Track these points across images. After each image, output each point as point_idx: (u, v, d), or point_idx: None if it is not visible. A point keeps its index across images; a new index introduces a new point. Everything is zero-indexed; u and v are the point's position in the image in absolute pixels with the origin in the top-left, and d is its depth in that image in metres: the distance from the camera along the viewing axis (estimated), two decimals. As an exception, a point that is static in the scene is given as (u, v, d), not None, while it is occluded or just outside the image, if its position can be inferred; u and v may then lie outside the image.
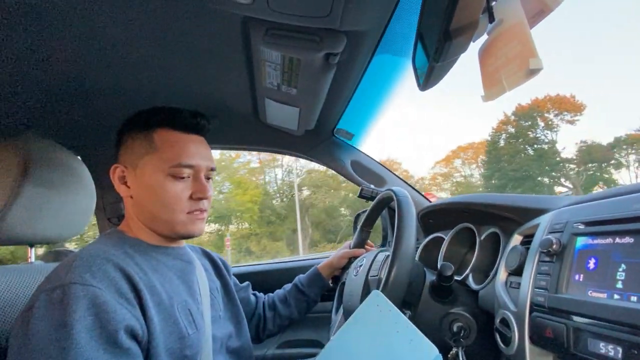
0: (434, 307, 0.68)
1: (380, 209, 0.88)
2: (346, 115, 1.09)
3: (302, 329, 1.26)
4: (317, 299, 0.93)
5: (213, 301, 0.67)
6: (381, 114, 1.09)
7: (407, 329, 0.47)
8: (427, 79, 0.58)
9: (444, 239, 0.94)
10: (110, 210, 1.28)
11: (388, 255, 0.74)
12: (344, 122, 1.14)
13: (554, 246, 0.48)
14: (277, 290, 0.94)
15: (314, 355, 1.03)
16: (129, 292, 0.49)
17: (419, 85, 0.62)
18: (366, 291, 0.72)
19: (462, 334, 0.64)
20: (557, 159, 17.43)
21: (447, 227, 0.95)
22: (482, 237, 0.78)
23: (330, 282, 0.96)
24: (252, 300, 0.88)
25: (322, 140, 1.20)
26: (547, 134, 18.02)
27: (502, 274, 0.63)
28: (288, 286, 0.94)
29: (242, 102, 0.98)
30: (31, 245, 0.75)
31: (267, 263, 1.46)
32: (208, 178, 0.65)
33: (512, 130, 18.63)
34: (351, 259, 0.94)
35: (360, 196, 1.12)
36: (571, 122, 18.05)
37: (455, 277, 0.76)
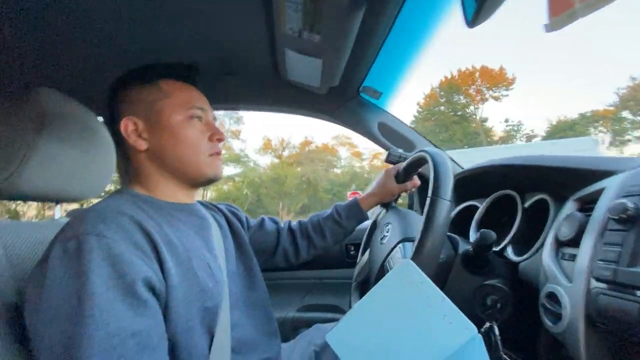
0: (466, 278, 0.62)
1: (412, 172, 0.81)
2: (374, 70, 0.99)
3: (323, 294, 1.26)
4: (353, 231, 0.88)
5: (227, 256, 0.65)
6: (414, 67, 0.98)
7: (441, 303, 0.41)
8: (478, 10, 0.48)
9: (476, 208, 0.86)
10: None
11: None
12: (372, 79, 1.03)
13: (630, 212, 0.39)
14: (311, 216, 0.89)
15: (333, 320, 1.02)
16: (145, 244, 0.47)
17: (466, 20, 0.52)
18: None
19: (497, 308, 0.58)
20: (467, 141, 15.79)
21: (482, 195, 0.87)
22: (526, 205, 0.69)
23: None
24: (271, 232, 0.84)
25: (347, 99, 1.11)
26: (470, 110, 16.27)
27: (551, 245, 0.55)
28: (323, 214, 0.88)
29: (260, 54, 0.90)
30: (57, 202, 0.75)
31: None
32: None
33: (438, 108, 16.88)
34: (399, 196, 0.89)
35: (387, 161, 1.04)
36: (496, 98, 16.10)
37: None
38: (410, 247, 0.67)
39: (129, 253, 0.44)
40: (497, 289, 0.59)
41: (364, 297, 0.45)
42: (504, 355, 0.54)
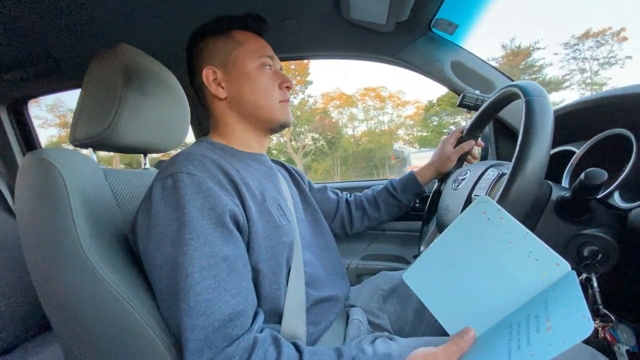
0: (559, 227, 0.55)
1: (497, 109, 0.71)
2: (450, -2, 0.86)
3: (387, 244, 1.27)
4: (410, 205, 0.89)
5: (295, 203, 0.69)
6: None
7: (524, 239, 0.37)
8: None
9: (570, 154, 0.74)
10: (206, 125, 1.37)
11: (503, 174, 0.61)
12: (446, 9, 0.90)
13: None
14: (366, 191, 0.92)
15: (397, 269, 1.02)
16: (227, 184, 0.52)
17: None
18: None
19: (598, 258, 0.51)
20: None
21: (580, 137, 0.74)
22: None
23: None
24: (332, 199, 0.89)
25: (416, 37, 1.00)
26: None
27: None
28: (378, 188, 0.91)
29: None
30: (145, 154, 0.83)
31: (345, 182, 1.44)
32: None
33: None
34: (462, 157, 0.84)
35: (461, 105, 0.94)
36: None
37: None
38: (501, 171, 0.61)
39: (216, 189, 0.49)
40: (598, 239, 0.52)
41: (439, 236, 0.43)
42: (604, 310, 0.49)
